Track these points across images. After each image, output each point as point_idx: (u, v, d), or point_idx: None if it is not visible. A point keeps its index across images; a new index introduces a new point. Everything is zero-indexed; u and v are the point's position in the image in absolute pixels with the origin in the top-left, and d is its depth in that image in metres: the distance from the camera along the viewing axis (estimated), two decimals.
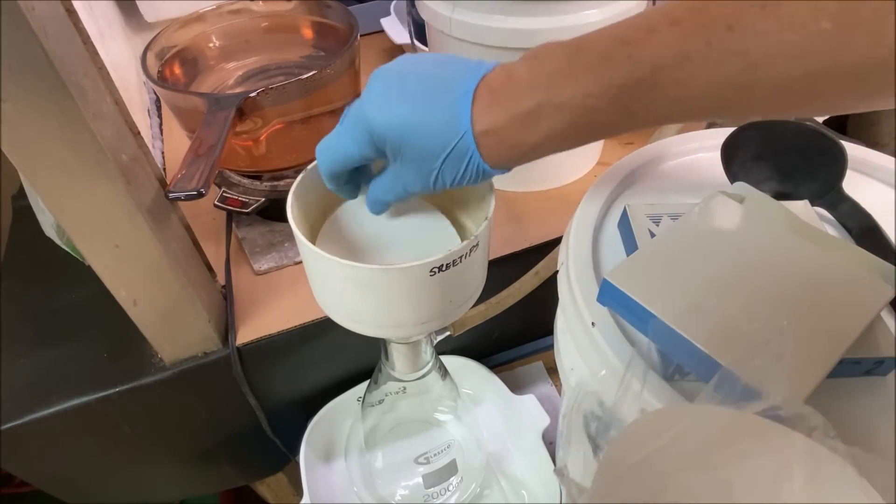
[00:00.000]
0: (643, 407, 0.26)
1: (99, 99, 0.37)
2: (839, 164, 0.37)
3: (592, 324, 0.32)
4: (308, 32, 0.67)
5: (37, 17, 0.31)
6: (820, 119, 1.14)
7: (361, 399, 0.54)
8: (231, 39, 0.65)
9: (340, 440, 0.61)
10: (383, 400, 0.51)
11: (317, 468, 0.58)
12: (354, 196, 0.39)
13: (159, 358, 0.51)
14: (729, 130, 0.41)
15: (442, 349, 0.56)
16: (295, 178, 0.38)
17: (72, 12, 0.37)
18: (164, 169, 0.72)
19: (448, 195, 0.41)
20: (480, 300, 0.42)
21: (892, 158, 0.41)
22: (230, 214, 0.61)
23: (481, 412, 0.63)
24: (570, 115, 0.28)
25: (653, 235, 0.35)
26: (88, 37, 0.38)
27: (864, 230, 0.36)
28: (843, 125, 1.29)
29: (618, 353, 0.31)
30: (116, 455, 0.57)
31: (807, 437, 0.21)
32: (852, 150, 0.39)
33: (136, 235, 0.41)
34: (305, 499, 0.55)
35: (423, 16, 0.59)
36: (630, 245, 0.36)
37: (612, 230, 0.39)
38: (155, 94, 0.83)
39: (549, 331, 0.50)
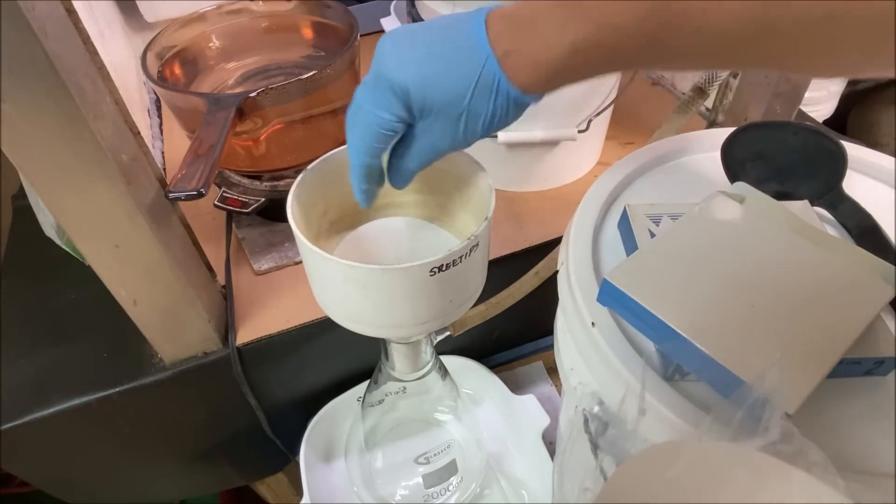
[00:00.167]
0: (643, 407, 0.26)
1: (99, 99, 0.37)
2: (839, 164, 0.37)
3: (592, 324, 0.32)
4: (308, 32, 0.67)
5: (37, 17, 0.31)
6: (820, 119, 1.13)
7: (361, 399, 0.54)
8: (231, 39, 0.65)
9: (340, 440, 0.61)
10: (383, 400, 0.51)
11: (317, 468, 0.58)
12: (377, 195, 0.37)
13: (159, 358, 0.51)
14: (729, 130, 0.41)
15: (442, 349, 0.56)
16: (295, 178, 0.38)
17: (72, 12, 0.37)
18: (164, 169, 0.72)
19: (448, 195, 0.42)
20: (480, 300, 0.42)
21: (892, 158, 0.41)
22: (230, 214, 0.61)
23: (481, 412, 0.63)
24: (596, 31, 0.27)
25: (653, 235, 0.35)
26: (88, 37, 0.38)
27: (864, 230, 0.36)
28: (843, 125, 1.29)
29: (618, 353, 0.31)
30: (116, 455, 0.57)
31: (806, 472, 0.21)
32: (852, 150, 0.39)
33: (136, 235, 0.41)
34: (305, 499, 0.55)
35: (423, 16, 0.59)
36: (630, 245, 0.36)
37: (612, 230, 0.39)
38: (155, 94, 0.83)
39: (549, 331, 0.50)
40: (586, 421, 0.32)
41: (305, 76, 0.50)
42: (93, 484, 0.59)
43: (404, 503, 0.55)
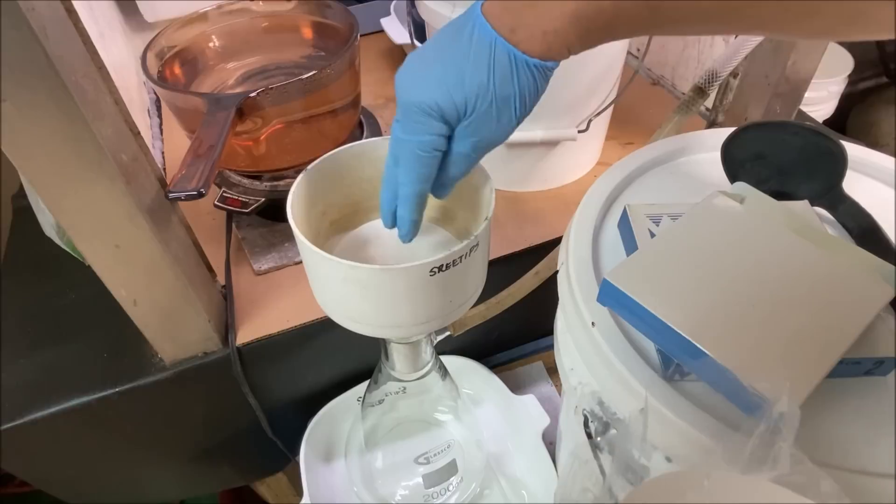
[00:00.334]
0: (643, 407, 0.26)
1: (99, 99, 0.37)
2: (839, 164, 0.37)
3: (592, 324, 0.32)
4: (308, 32, 0.67)
5: (37, 17, 0.31)
6: (820, 119, 1.13)
7: (361, 399, 0.54)
8: (231, 39, 0.65)
9: (340, 440, 0.61)
10: (383, 400, 0.51)
11: (317, 468, 0.58)
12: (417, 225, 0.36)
13: (159, 358, 0.51)
14: (729, 130, 0.41)
15: (442, 349, 0.56)
16: (295, 178, 0.38)
17: (72, 12, 0.37)
18: (164, 169, 0.72)
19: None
20: (480, 300, 0.42)
21: (892, 158, 0.41)
22: (230, 214, 0.61)
23: (481, 412, 0.63)
24: None
25: (653, 235, 0.35)
26: (88, 37, 0.38)
27: (864, 230, 0.36)
28: (843, 125, 1.29)
29: (618, 353, 0.31)
30: (116, 455, 0.57)
31: None
32: (852, 150, 0.39)
33: (136, 235, 0.41)
34: (305, 499, 0.55)
35: (423, 16, 0.59)
36: (630, 245, 0.36)
37: (612, 230, 0.39)
38: (155, 94, 0.83)
39: (549, 331, 0.50)
40: (586, 421, 0.32)
41: (305, 76, 0.50)
42: (93, 484, 0.59)
43: (404, 503, 0.55)
